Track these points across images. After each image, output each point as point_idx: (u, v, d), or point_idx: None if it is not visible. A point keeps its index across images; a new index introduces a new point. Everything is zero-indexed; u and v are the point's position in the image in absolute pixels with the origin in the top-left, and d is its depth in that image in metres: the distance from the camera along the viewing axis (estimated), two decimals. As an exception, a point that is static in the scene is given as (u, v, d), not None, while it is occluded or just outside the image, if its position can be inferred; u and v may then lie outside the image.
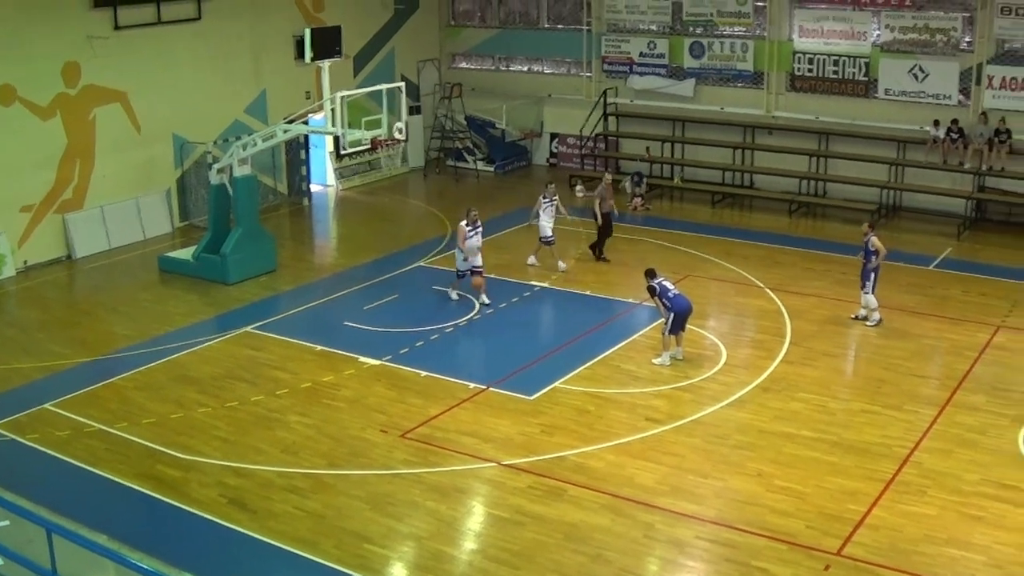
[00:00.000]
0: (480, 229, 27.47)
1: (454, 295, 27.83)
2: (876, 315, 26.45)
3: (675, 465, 19.65)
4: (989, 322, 26.76)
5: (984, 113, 35.74)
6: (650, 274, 24.64)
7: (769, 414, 21.74)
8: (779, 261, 31.79)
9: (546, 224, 30.32)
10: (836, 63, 38.26)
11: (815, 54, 38.61)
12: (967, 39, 36.31)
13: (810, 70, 38.82)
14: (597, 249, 31.54)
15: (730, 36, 40.22)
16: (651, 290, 24.27)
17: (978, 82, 36.17)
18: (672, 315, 23.85)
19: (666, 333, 24.07)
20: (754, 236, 34.42)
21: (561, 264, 30.40)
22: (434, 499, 18.51)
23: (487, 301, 27.23)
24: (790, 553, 16.82)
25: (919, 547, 16.98)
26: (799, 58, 38.96)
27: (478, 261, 27.30)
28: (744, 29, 39.98)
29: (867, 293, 26.43)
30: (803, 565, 16.49)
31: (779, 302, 28.11)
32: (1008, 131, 35.22)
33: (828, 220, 37.13)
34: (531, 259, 30.88)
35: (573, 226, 32.48)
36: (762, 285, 29.40)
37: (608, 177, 32.46)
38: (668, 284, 24.37)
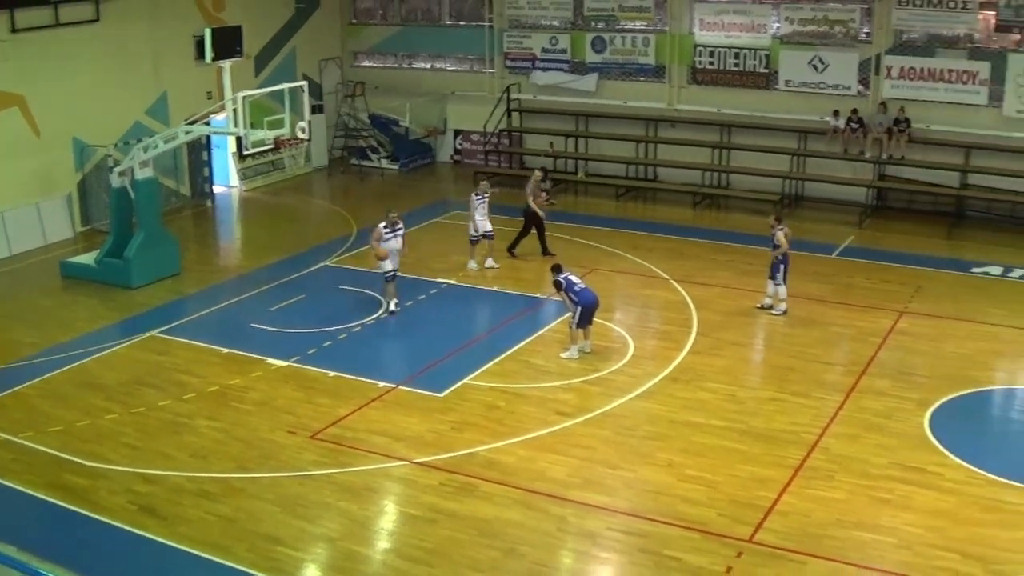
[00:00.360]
0: (400, 231, 26.95)
1: (392, 304, 27.21)
2: (783, 306, 26.71)
3: (586, 458, 19.68)
4: (892, 308, 27.14)
5: (883, 102, 36.25)
6: (556, 269, 24.69)
7: (678, 404, 21.86)
8: (684, 253, 32.00)
9: (482, 221, 30.08)
10: (737, 56, 38.59)
11: (716, 47, 38.90)
12: (865, 30, 36.86)
13: (711, 63, 39.12)
14: (542, 247, 31.43)
15: (632, 30, 40.41)
16: (557, 285, 24.30)
17: (877, 72, 36.71)
18: (579, 309, 23.90)
19: (573, 327, 24.11)
20: (659, 228, 34.63)
21: (472, 264, 30.28)
22: (346, 499, 18.38)
23: (394, 308, 26.87)
24: (702, 541, 16.91)
25: (829, 531, 17.17)
26: (700, 51, 39.23)
27: (389, 266, 26.82)
28: (645, 23, 40.19)
29: (778, 284, 26.69)
30: (716, 553, 16.59)
31: (685, 293, 28.29)
32: (907, 120, 35.78)
33: (732, 211, 37.47)
34: (471, 264, 30.51)
35: (511, 225, 32.19)
36: (668, 277, 29.58)
37: (538, 173, 32.48)
38: (574, 278, 24.39)
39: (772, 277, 26.76)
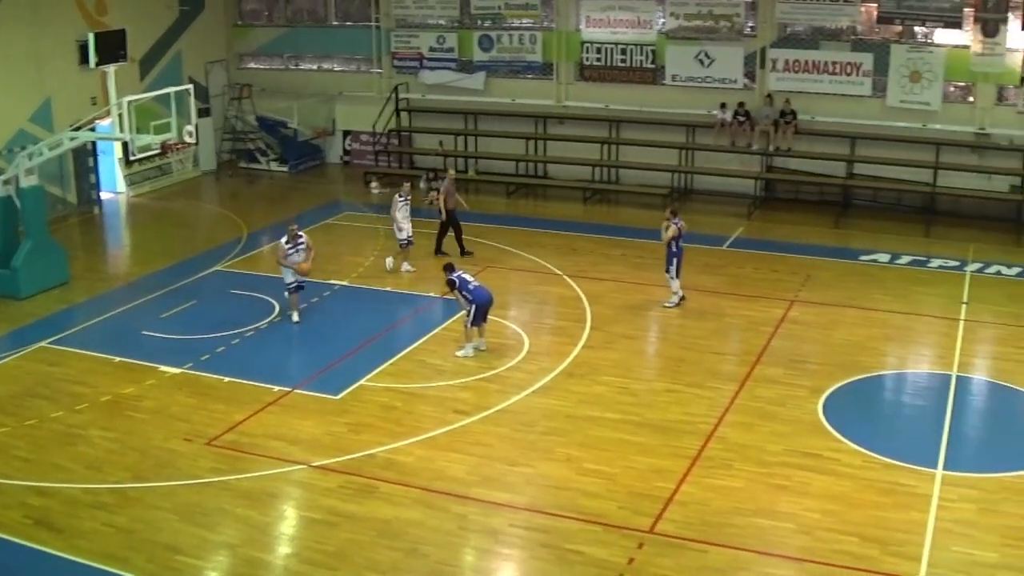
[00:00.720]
0: (302, 244, 26.28)
1: (295, 316, 26.75)
2: (675, 297, 26.95)
3: (484, 455, 19.70)
4: (783, 297, 27.52)
5: (769, 95, 36.72)
6: (449, 268, 24.68)
7: (574, 399, 21.97)
8: (576, 248, 32.15)
9: (405, 223, 29.68)
10: (624, 52, 38.85)
11: (603, 43, 39.13)
12: (750, 24, 37.38)
13: (598, 59, 39.34)
14: (459, 246, 31.37)
15: (518, 28, 40.48)
16: (451, 284, 24.26)
17: (762, 65, 37.20)
18: (474, 307, 23.91)
19: (468, 325, 24.12)
20: (550, 225, 34.75)
21: (390, 261, 30.15)
22: (245, 505, 18.21)
23: (297, 319, 26.49)
24: (604, 534, 17.01)
25: (729, 519, 17.36)
26: (587, 48, 39.46)
27: (291, 277, 26.30)
28: (532, 21, 40.29)
29: (671, 277, 26.96)
30: (617, 545, 16.69)
31: (578, 288, 28.42)
32: (793, 112, 36.28)
33: (622, 206, 37.76)
34: (388, 261, 30.36)
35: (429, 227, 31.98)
36: (560, 273, 29.70)
37: (452, 173, 32.42)
38: (468, 277, 24.39)
39: (667, 270, 26.95)
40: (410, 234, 29.80)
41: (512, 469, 19.22)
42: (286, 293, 26.48)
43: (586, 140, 39.44)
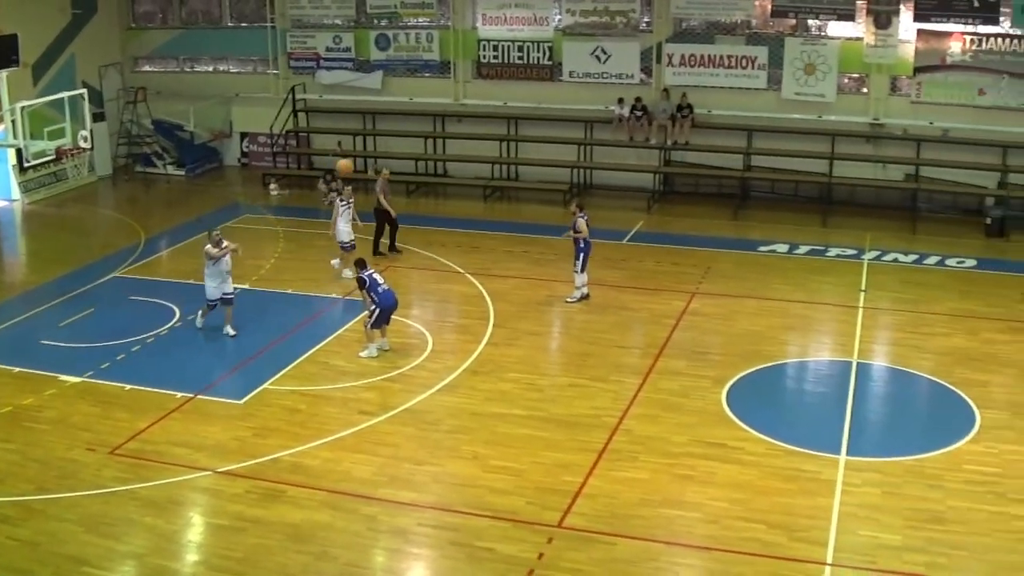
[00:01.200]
0: (228, 251, 25.44)
1: (199, 322, 26.10)
2: (577, 293, 27.06)
3: (391, 455, 19.67)
4: (684, 289, 27.78)
5: (666, 89, 37.03)
6: (360, 264, 24.45)
7: (480, 396, 22.03)
8: (477, 246, 32.19)
9: (346, 228, 29.27)
10: (521, 49, 38.96)
11: (500, 41, 39.21)
12: (646, 19, 37.65)
13: (495, 57, 39.41)
14: (390, 242, 31.29)
15: (415, 27, 40.41)
16: (360, 282, 24.06)
17: (658, 60, 37.48)
18: (378, 311, 23.81)
19: (368, 326, 24.01)
20: (451, 223, 34.74)
21: (337, 262, 29.80)
22: (151, 514, 18.00)
23: (232, 332, 25.71)
24: (513, 530, 17.06)
25: (636, 511, 17.51)
26: (484, 46, 39.50)
27: (228, 288, 25.62)
28: (429, 20, 40.31)
29: (577, 272, 27.05)
30: (527, 541, 16.74)
31: (480, 286, 28.46)
32: (690, 106, 36.62)
33: (522, 203, 37.86)
34: (335, 262, 29.94)
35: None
36: (462, 271, 29.71)
37: (386, 172, 32.28)
38: (378, 278, 24.21)
39: (575, 265, 27.07)
40: (352, 238, 29.38)
41: (419, 468, 19.21)
42: (215, 306, 25.65)
43: (485, 138, 39.53)
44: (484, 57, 39.66)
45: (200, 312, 26.02)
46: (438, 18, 40.23)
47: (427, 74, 40.85)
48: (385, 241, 31.18)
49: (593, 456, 19.32)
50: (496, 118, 39.55)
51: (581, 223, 26.72)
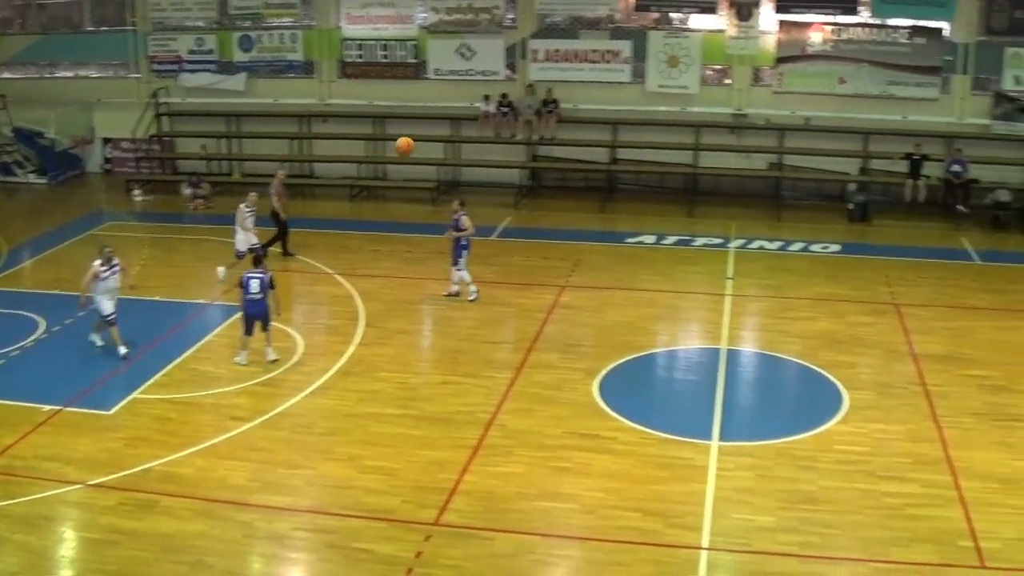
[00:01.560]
0: (117, 267, 24.17)
1: (99, 340, 24.83)
2: (473, 288, 26.90)
3: (265, 460, 19.42)
4: (553, 283, 27.90)
5: (531, 85, 37.21)
6: (256, 261, 24.06)
7: (353, 397, 21.88)
8: (346, 246, 32.04)
9: (249, 234, 28.77)
10: (385, 48, 38.92)
11: (364, 40, 39.11)
12: (510, 16, 37.79)
13: (360, 56, 39.29)
14: (282, 247, 30.92)
15: (279, 27, 40.15)
16: (241, 280, 23.57)
17: (523, 56, 37.63)
18: (244, 315, 23.48)
19: (243, 334, 23.65)
20: (318, 224, 34.42)
21: (222, 270, 29.03)
22: (22, 531, 17.52)
23: (124, 352, 24.36)
24: (390, 530, 16.95)
25: (513, 505, 17.50)
26: (349, 45, 39.36)
27: (110, 307, 24.14)
28: (293, 20, 40.11)
29: (460, 270, 26.93)
30: (404, 540, 16.64)
31: (349, 286, 28.30)
32: (555, 101, 36.82)
33: (390, 201, 37.87)
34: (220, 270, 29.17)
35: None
36: (331, 271, 29.52)
37: (281, 174, 31.87)
38: (255, 284, 23.37)
39: (455, 264, 26.96)
40: (246, 248, 28.49)
41: (294, 472, 19.00)
42: (104, 326, 24.47)
43: (351, 137, 39.47)
44: (349, 56, 39.48)
45: (96, 326, 24.83)
46: (301, 18, 40.00)
47: (291, 75, 40.53)
48: (276, 249, 30.80)
49: (468, 452, 19.29)
50: (362, 117, 39.39)
51: (465, 220, 26.64)
